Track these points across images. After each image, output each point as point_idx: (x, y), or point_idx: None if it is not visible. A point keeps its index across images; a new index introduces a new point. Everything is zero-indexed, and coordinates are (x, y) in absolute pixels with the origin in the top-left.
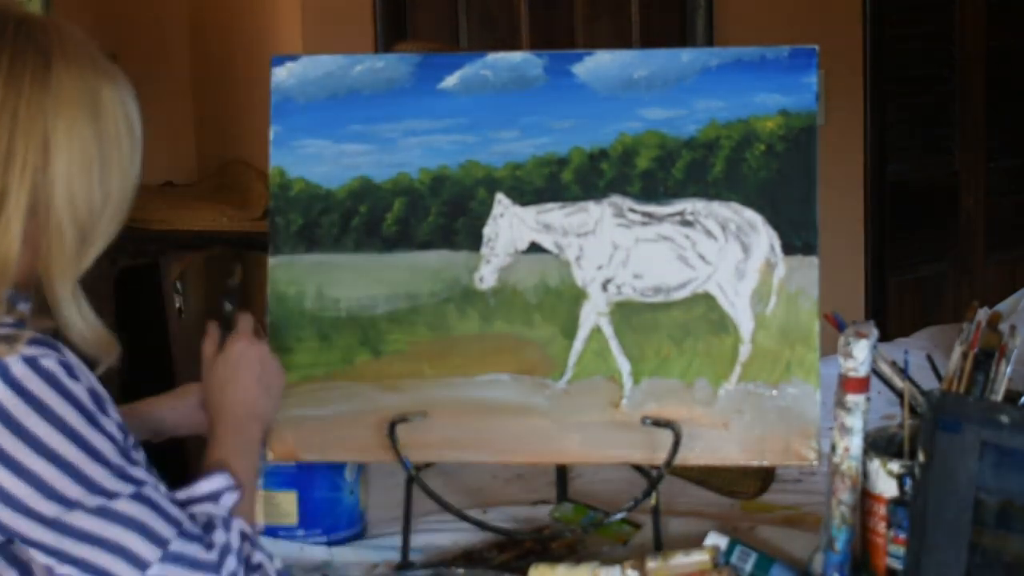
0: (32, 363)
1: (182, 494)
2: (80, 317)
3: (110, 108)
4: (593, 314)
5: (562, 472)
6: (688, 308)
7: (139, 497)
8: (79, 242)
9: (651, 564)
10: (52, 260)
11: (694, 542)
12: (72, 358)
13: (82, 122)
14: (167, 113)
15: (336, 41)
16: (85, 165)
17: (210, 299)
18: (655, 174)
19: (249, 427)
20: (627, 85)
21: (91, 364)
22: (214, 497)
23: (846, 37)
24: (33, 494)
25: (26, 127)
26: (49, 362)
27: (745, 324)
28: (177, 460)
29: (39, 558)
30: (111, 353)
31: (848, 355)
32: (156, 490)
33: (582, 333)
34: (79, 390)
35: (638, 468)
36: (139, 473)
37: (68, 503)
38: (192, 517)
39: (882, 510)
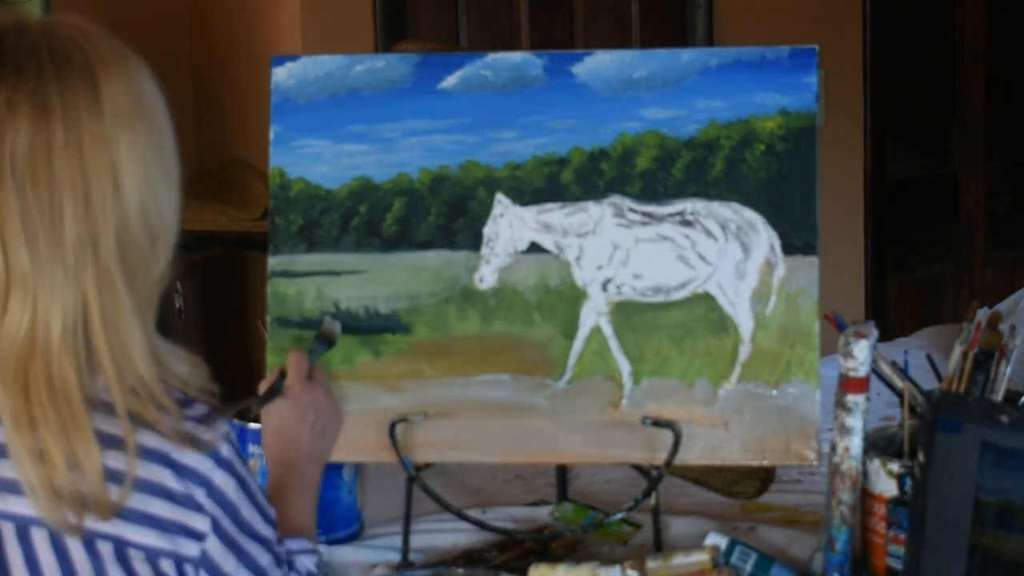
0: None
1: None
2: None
3: (154, 101)
4: (593, 314)
5: (562, 472)
6: (688, 308)
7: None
8: (153, 258)
9: (651, 564)
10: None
11: (694, 542)
12: None
13: (141, 132)
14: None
15: (336, 41)
16: (151, 176)
17: (209, 300)
18: (655, 174)
19: (306, 469)
20: (627, 85)
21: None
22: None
23: (846, 37)
24: None
25: (94, 162)
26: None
27: (745, 324)
28: None
29: None
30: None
31: (848, 355)
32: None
33: (582, 333)
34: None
35: (638, 468)
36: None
37: None
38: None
39: (882, 510)
